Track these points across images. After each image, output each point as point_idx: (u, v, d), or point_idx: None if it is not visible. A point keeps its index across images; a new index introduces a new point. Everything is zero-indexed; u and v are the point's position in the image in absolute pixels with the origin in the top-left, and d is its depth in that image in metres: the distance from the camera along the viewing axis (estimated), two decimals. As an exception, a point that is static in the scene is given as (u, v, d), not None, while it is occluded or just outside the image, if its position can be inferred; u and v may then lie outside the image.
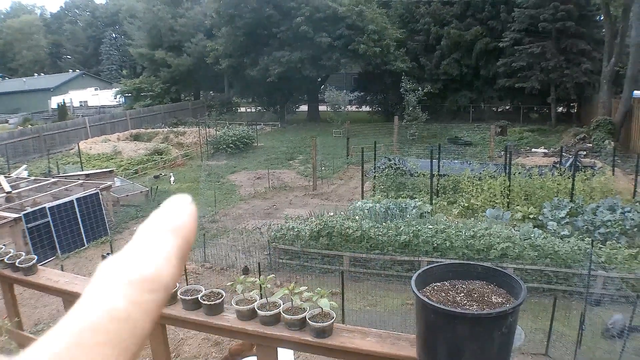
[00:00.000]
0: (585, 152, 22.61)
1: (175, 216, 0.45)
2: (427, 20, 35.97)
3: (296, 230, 12.32)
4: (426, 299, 1.66)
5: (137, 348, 0.40)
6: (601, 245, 11.01)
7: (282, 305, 2.20)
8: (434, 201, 15.62)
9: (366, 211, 13.45)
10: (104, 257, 11.22)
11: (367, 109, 40.98)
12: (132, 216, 16.91)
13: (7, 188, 15.44)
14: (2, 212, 13.33)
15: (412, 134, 28.82)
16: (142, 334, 0.40)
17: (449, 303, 1.71)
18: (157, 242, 0.43)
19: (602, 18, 29.65)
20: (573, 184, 14.56)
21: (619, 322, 8.44)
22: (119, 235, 15.25)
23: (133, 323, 0.39)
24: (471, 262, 1.94)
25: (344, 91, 35.19)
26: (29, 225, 12.90)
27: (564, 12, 28.57)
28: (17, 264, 3.75)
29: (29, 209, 13.43)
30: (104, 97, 54.67)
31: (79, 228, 14.21)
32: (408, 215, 13.23)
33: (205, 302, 2.32)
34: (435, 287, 1.82)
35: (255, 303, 2.24)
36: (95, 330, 0.37)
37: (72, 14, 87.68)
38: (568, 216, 13.25)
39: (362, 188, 17.42)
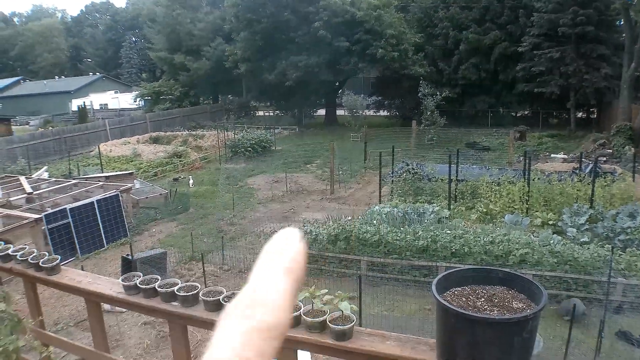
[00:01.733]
0: (605, 158, 22.35)
1: (288, 254, 0.46)
2: (446, 24, 35.86)
3: (314, 234, 12.34)
4: (447, 304, 1.68)
5: None
6: (621, 253, 10.86)
7: (302, 308, 2.22)
8: (452, 206, 15.54)
9: (384, 216, 13.43)
10: (123, 258, 11.34)
11: (385, 113, 40.94)
12: (151, 218, 17.07)
13: (28, 189, 15.69)
14: (23, 212, 13.54)
15: (430, 139, 28.71)
16: None
17: (470, 308, 1.72)
18: (275, 285, 0.43)
19: (622, 23, 29.30)
20: (593, 190, 14.39)
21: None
22: (138, 237, 15.41)
23: None
24: (492, 268, 1.95)
25: (362, 95, 35.19)
26: (50, 226, 13.08)
27: (583, 16, 28.28)
28: (40, 263, 3.82)
29: (50, 210, 13.62)
30: (124, 100, 55.35)
31: (98, 229, 14.38)
32: (426, 220, 13.19)
33: (227, 303, 2.35)
34: (456, 292, 1.83)
35: (276, 305, 2.27)
36: None
37: (92, 17, 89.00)
38: (588, 223, 13.10)
39: (380, 192, 17.40)
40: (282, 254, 0.46)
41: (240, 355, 0.39)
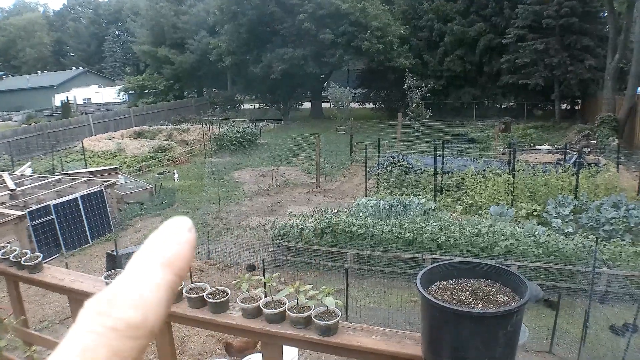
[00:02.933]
0: (589, 149, 22.55)
1: (170, 246, 0.42)
2: (431, 16, 35.90)
3: (300, 227, 12.33)
4: (431, 298, 1.67)
5: None
6: (605, 243, 10.99)
7: (287, 304, 2.21)
8: (437, 198, 15.61)
9: (370, 208, 13.45)
10: (108, 254, 11.26)
11: (371, 105, 40.96)
12: (136, 213, 16.95)
13: (12, 185, 15.49)
14: (6, 209, 13.37)
15: (415, 131, 28.80)
16: None
17: (454, 302, 1.71)
18: (147, 279, 0.39)
19: (606, 14, 29.52)
20: (577, 181, 14.53)
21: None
22: (123, 233, 15.30)
23: None
24: (476, 261, 1.95)
25: (347, 88, 35.15)
26: (34, 222, 12.95)
27: (567, 8, 28.47)
28: (22, 262, 3.77)
29: (34, 207, 13.47)
30: (108, 94, 54.83)
31: (83, 225, 14.26)
32: (412, 213, 13.24)
33: (211, 300, 2.33)
34: (441, 286, 1.83)
35: (261, 301, 2.25)
36: None
37: (75, 11, 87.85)
38: (572, 213, 13.23)
39: (366, 185, 17.43)
40: (164, 246, 0.41)
41: (91, 355, 0.36)
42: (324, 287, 2.19)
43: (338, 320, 2.07)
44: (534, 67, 30.60)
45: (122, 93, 49.81)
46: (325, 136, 26.22)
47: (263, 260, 10.60)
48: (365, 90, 40.98)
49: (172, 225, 0.43)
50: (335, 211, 13.96)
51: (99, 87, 59.62)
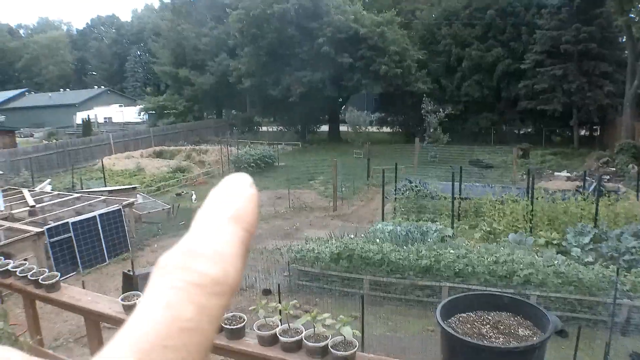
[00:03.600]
0: (608, 176, 22.29)
1: (236, 200, 0.39)
2: (449, 41, 36.08)
3: (316, 252, 12.27)
4: (452, 331, 1.64)
5: None
6: (626, 273, 10.75)
7: (304, 332, 2.19)
8: (455, 225, 15.47)
9: (387, 234, 13.36)
10: (125, 274, 11.29)
11: (388, 129, 41.02)
12: (153, 233, 17.03)
13: (31, 202, 15.69)
14: (25, 225, 13.52)
15: (433, 156, 28.72)
16: (208, 345, 0.35)
17: (475, 335, 1.68)
18: (221, 234, 0.37)
19: (624, 40, 29.42)
20: (597, 209, 14.30)
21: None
22: (140, 252, 15.35)
23: (201, 333, 0.34)
24: (497, 293, 1.91)
25: (365, 112, 35.28)
26: (52, 239, 13.05)
27: (585, 34, 28.42)
28: (40, 280, 3.80)
29: (52, 224, 13.61)
30: (128, 113, 55.60)
31: (100, 244, 14.34)
32: (429, 239, 13.12)
33: (227, 327, 2.32)
34: (461, 318, 1.80)
35: (277, 329, 2.23)
36: (166, 347, 0.32)
37: (98, 31, 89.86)
38: (592, 242, 12.99)
39: (383, 210, 17.35)
40: (229, 201, 0.39)
41: (176, 313, 0.33)
42: (341, 316, 2.17)
43: (355, 351, 2.04)
44: (552, 92, 30.47)
45: (142, 113, 50.49)
46: (343, 160, 26.24)
47: (279, 284, 10.55)
48: (383, 114, 41.11)
49: (233, 181, 0.41)
50: (352, 236, 13.89)
51: (120, 106, 60.51)
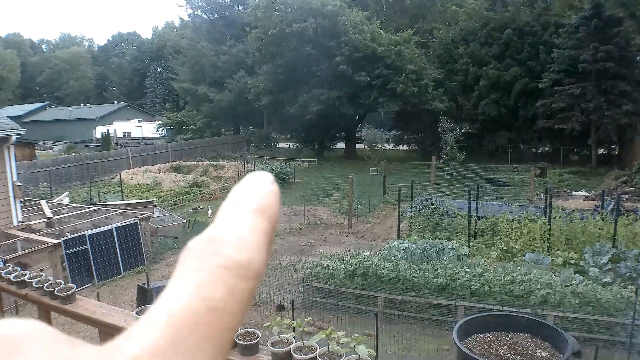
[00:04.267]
0: (627, 196, 21.99)
1: (260, 195, 0.41)
2: (466, 60, 36.06)
3: (331, 268, 12.23)
4: (468, 352, 1.62)
5: (229, 344, 0.36)
6: (645, 294, 10.57)
7: (318, 350, 2.17)
8: (471, 243, 15.35)
9: (402, 252, 13.28)
10: (139, 287, 11.33)
11: (404, 147, 40.96)
12: (169, 247, 17.11)
13: (49, 213, 15.87)
14: (42, 237, 13.67)
15: (449, 174, 28.58)
16: (235, 327, 0.36)
17: (492, 356, 1.65)
18: (245, 224, 0.39)
19: (643, 58, 29.25)
20: (615, 229, 14.11)
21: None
22: (155, 266, 15.42)
23: (230, 315, 0.35)
24: (515, 314, 1.89)
25: (382, 129, 35.31)
26: (68, 251, 13.18)
27: (603, 52, 28.22)
28: (55, 292, 3.82)
29: (69, 235, 13.75)
30: (147, 129, 56.23)
31: (116, 256, 14.44)
32: (445, 257, 13.02)
33: (241, 342, 2.30)
34: (478, 339, 1.77)
35: (291, 346, 2.21)
36: (196, 323, 0.34)
37: (118, 47, 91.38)
38: (610, 262, 12.81)
39: (399, 227, 17.27)
40: (253, 195, 0.41)
41: (206, 293, 0.34)
42: (356, 334, 2.15)
43: (370, 370, 2.02)
44: (570, 111, 30.20)
45: (161, 128, 51.05)
46: (358, 177, 26.21)
47: (293, 300, 10.51)
48: (399, 132, 41.08)
49: (255, 178, 0.43)
50: (367, 253, 13.82)
51: (139, 121, 61.25)
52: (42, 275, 4.25)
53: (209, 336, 0.34)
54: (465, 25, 36.84)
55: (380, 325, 9.42)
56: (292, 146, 45.12)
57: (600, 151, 33.27)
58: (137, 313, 3.15)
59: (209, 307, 0.34)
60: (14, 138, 14.62)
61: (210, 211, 22.07)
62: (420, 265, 11.99)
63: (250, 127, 50.74)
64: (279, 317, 2.36)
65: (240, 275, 0.36)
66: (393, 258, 12.68)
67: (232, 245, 0.37)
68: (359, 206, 21.56)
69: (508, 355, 1.63)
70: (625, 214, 16.07)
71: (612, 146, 33.83)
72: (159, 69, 75.01)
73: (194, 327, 0.33)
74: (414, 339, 10.20)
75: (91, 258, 13.74)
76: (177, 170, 33.11)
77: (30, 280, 4.06)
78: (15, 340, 0.32)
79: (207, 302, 0.34)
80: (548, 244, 14.52)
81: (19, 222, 14.95)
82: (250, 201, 0.40)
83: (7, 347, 0.32)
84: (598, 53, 28.36)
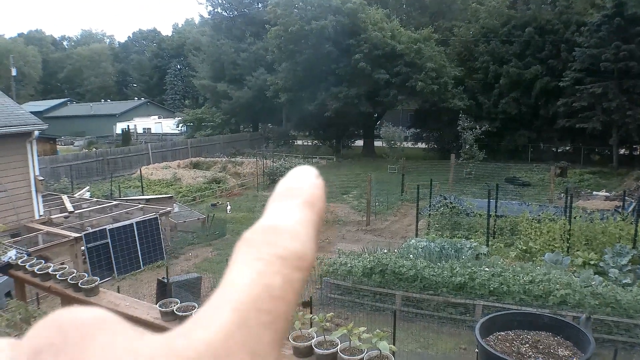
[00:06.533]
0: (648, 197, 21.67)
1: (306, 188, 0.42)
2: (486, 58, 35.74)
3: (349, 265, 12.25)
4: (491, 349, 1.63)
5: (286, 334, 0.36)
6: (666, 296, 10.43)
7: (339, 345, 2.19)
8: (490, 242, 15.26)
9: (420, 250, 13.25)
10: (159, 281, 11.47)
11: (423, 146, 40.77)
12: (188, 242, 17.26)
13: (70, 208, 16.12)
14: (63, 230, 13.88)
15: (468, 173, 28.40)
16: (291, 316, 0.36)
17: (514, 354, 1.66)
18: (296, 216, 0.39)
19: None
20: (636, 230, 13.94)
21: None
22: (175, 260, 15.57)
23: (287, 303, 0.35)
24: (537, 312, 1.89)
25: (400, 127, 35.18)
26: (89, 245, 13.36)
27: (626, 51, 27.80)
28: (79, 284, 3.89)
29: (90, 230, 13.94)
30: (167, 125, 56.67)
31: (136, 251, 14.61)
32: (463, 256, 12.96)
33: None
34: (500, 337, 1.78)
35: (313, 340, 2.24)
36: (259, 310, 0.34)
37: (139, 44, 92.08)
38: (630, 263, 12.67)
39: (417, 226, 17.22)
40: (300, 189, 0.42)
41: (267, 280, 0.35)
42: (377, 330, 2.17)
43: (391, 366, 2.04)
44: (592, 111, 29.80)
45: (180, 124, 51.37)
46: (377, 175, 26.18)
47: (311, 297, 10.56)
48: (418, 130, 40.88)
49: (301, 172, 0.44)
50: (385, 251, 13.81)
51: (159, 117, 61.72)
52: (65, 267, 4.33)
53: (270, 323, 0.34)
54: (486, 23, 36.50)
55: (398, 323, 9.43)
56: (310, 143, 45.17)
57: (622, 151, 32.80)
58: (160, 306, 3.20)
59: (270, 295, 0.35)
60: (36, 133, 14.87)
61: (229, 207, 22.20)
62: (438, 264, 11.96)
63: (269, 124, 50.87)
64: (301, 312, 2.39)
65: (295, 265, 0.36)
66: (411, 256, 12.66)
67: (287, 235, 0.37)
68: (377, 204, 21.54)
69: (530, 353, 1.64)
70: (646, 215, 15.86)
71: (634, 146, 33.35)
72: (178, 66, 75.47)
73: (258, 314, 0.34)
74: (431, 337, 10.19)
75: (111, 252, 13.92)
76: (196, 166, 33.32)
77: (54, 273, 4.14)
78: (87, 326, 0.34)
79: (268, 290, 0.35)
80: (568, 244, 14.38)
81: (40, 215, 15.22)
82: (299, 194, 0.41)
83: (80, 333, 0.33)
84: (620, 52, 27.95)
